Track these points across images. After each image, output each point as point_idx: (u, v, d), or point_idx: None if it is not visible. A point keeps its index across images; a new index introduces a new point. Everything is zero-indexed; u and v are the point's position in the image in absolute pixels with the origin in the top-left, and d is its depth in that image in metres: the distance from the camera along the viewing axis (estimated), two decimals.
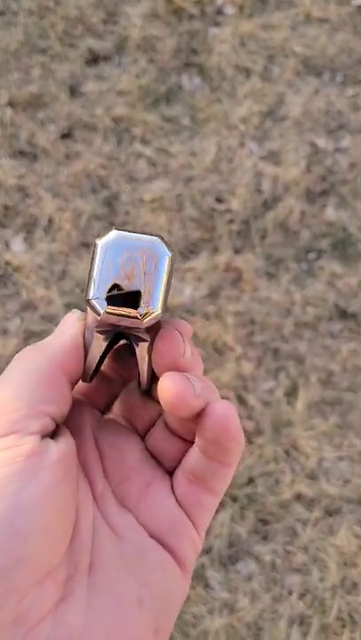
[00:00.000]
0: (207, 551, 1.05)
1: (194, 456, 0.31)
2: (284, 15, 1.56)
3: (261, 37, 1.53)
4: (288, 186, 1.36)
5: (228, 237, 1.30)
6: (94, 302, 0.28)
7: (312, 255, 1.30)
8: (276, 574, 1.04)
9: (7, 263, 1.26)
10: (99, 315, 0.28)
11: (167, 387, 0.28)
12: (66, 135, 1.40)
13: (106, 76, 1.47)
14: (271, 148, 1.40)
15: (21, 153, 1.38)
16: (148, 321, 0.28)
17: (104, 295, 0.28)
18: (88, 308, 0.29)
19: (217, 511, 1.06)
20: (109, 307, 0.28)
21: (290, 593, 1.03)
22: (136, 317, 0.28)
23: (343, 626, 1.01)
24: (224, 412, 0.29)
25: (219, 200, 1.34)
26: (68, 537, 0.28)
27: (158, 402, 0.31)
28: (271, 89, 1.47)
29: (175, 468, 0.32)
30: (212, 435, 0.29)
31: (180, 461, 0.32)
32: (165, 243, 0.28)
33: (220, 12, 1.56)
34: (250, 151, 1.40)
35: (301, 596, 1.03)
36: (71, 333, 0.30)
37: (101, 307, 0.28)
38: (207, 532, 0.98)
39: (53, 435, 0.29)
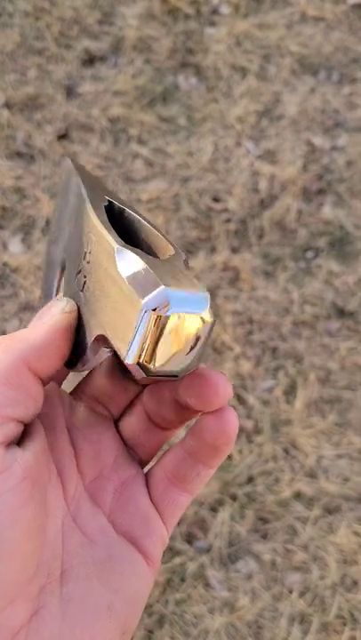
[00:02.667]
0: (207, 550, 1.05)
1: (178, 456, 0.31)
2: (279, 14, 1.56)
3: (257, 37, 1.53)
4: (285, 185, 1.36)
5: (226, 237, 1.30)
6: (134, 367, 0.26)
7: (310, 254, 1.30)
8: (276, 573, 1.04)
9: (5, 264, 1.26)
10: (137, 380, 0.28)
11: (212, 382, 0.28)
12: (62, 136, 1.40)
13: (102, 77, 1.47)
14: (268, 147, 1.40)
15: (18, 154, 1.38)
16: (181, 376, 0.28)
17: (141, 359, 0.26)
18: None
19: (217, 510, 1.07)
20: (150, 377, 0.26)
21: (290, 591, 1.03)
22: (174, 376, 0.27)
23: (344, 624, 1.01)
24: (230, 417, 0.29)
25: (216, 199, 1.34)
26: (37, 553, 0.28)
27: (137, 383, 0.31)
28: (267, 88, 1.47)
29: (152, 457, 0.32)
30: (212, 438, 0.29)
31: (156, 451, 0.32)
32: (210, 302, 0.27)
33: (215, 11, 1.57)
34: (246, 150, 1.40)
35: (302, 595, 1.03)
36: (49, 327, 0.28)
37: (140, 374, 0.26)
38: (207, 531, 0.98)
39: (22, 437, 0.28)
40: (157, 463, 0.32)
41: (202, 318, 0.26)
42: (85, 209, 0.31)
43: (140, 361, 0.26)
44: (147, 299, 0.25)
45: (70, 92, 1.45)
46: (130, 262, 0.26)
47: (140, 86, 1.46)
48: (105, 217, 0.30)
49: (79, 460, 0.31)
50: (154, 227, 0.31)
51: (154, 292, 0.25)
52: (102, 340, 0.28)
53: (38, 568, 0.28)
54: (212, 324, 0.27)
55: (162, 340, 0.25)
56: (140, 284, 0.26)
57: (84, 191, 0.32)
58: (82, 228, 0.31)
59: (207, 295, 0.26)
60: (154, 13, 1.54)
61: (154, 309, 0.25)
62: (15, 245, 1.28)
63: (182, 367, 0.27)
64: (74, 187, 0.34)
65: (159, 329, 0.25)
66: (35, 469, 0.27)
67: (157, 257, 0.29)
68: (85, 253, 0.30)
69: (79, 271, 0.30)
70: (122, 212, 0.32)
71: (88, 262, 0.29)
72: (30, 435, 0.28)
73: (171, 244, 0.29)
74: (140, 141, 1.40)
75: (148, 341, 0.25)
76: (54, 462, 0.30)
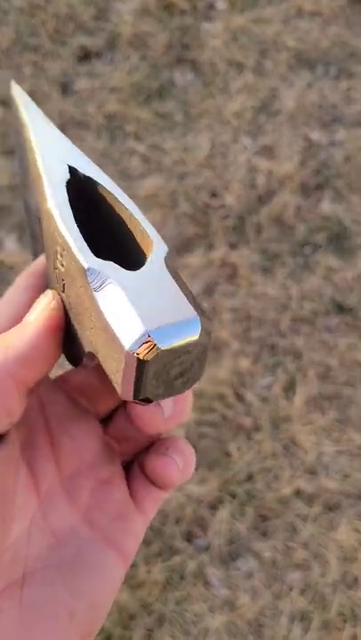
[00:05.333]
0: (207, 548, 1.04)
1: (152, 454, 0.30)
2: (275, 9, 1.55)
3: (254, 32, 1.52)
4: (283, 180, 1.35)
5: (223, 233, 1.30)
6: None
7: (308, 249, 1.29)
8: (276, 570, 1.03)
9: (1, 262, 1.26)
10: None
11: (139, 410, 0.28)
12: None
13: (98, 73, 1.46)
14: (265, 143, 1.39)
15: (13, 152, 1.37)
16: None
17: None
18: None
19: (216, 508, 1.06)
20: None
21: (290, 589, 1.02)
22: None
23: (344, 621, 1.00)
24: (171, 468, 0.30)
25: (213, 195, 1.34)
26: None
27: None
28: (264, 83, 1.47)
29: (135, 454, 0.31)
30: (153, 473, 0.30)
31: (140, 449, 0.31)
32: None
33: (211, 6, 1.56)
34: (244, 146, 1.39)
35: (302, 592, 1.02)
36: (35, 329, 0.26)
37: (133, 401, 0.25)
38: (206, 530, 0.97)
39: None
40: (137, 457, 0.31)
41: (193, 342, 0.24)
42: (43, 192, 0.28)
43: (133, 399, 0.25)
44: (130, 343, 0.23)
45: (66, 89, 1.44)
46: (106, 291, 0.24)
47: (136, 82, 1.45)
48: (68, 211, 0.27)
49: (58, 455, 0.30)
50: (126, 206, 0.27)
51: (136, 336, 0.23)
52: (94, 356, 0.26)
53: None
54: (206, 344, 0.24)
55: (152, 373, 0.24)
56: (121, 323, 0.23)
57: (39, 160, 0.29)
58: (44, 210, 0.28)
59: (195, 317, 0.23)
60: (149, 9, 1.53)
61: (139, 350, 0.23)
62: (11, 243, 1.28)
63: (176, 390, 0.25)
64: (22, 141, 0.32)
65: (149, 365, 0.23)
66: None
67: (135, 252, 0.27)
68: (57, 252, 0.27)
69: (55, 267, 0.28)
70: (88, 181, 0.29)
71: (62, 265, 0.27)
72: None
73: (147, 230, 0.27)
74: (137, 138, 1.39)
75: (139, 379, 0.24)
76: (28, 457, 0.29)
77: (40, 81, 1.44)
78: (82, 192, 0.28)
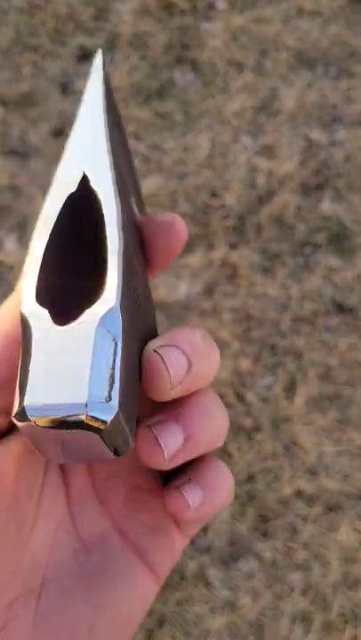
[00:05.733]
0: (207, 549, 1.04)
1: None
2: (275, 9, 1.55)
3: (254, 31, 1.52)
4: (283, 180, 1.35)
5: (223, 233, 1.29)
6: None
7: (308, 249, 1.29)
8: (277, 571, 1.03)
9: (0, 262, 1.25)
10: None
11: (139, 446, 0.25)
12: (58, 133, 1.39)
13: None
14: (265, 143, 1.39)
15: (13, 152, 1.37)
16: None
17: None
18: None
19: None
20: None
21: (291, 590, 1.02)
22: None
23: (345, 622, 1.00)
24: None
25: (213, 195, 1.33)
26: (12, 560, 0.25)
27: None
28: (264, 83, 1.46)
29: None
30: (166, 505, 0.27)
31: None
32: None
33: (211, 6, 1.56)
34: (244, 146, 1.39)
35: (303, 593, 1.02)
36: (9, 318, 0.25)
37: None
38: (207, 530, 0.98)
39: (11, 427, 0.25)
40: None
41: (78, 425, 0.21)
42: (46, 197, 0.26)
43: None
44: (14, 410, 0.21)
45: (65, 89, 1.44)
46: (24, 344, 0.22)
47: (135, 82, 1.45)
48: (47, 231, 0.24)
49: None
50: (109, 237, 0.23)
51: (17, 407, 0.21)
52: None
53: (12, 576, 0.25)
54: (100, 430, 0.21)
55: (37, 441, 0.22)
56: (18, 386, 0.22)
57: (63, 156, 0.26)
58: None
59: (82, 404, 0.20)
60: (149, 9, 1.53)
61: (17, 418, 0.21)
62: (10, 244, 1.28)
63: (81, 461, 0.23)
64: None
65: (28, 434, 0.21)
66: (12, 470, 0.25)
67: (96, 294, 0.23)
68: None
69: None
70: (94, 196, 0.25)
71: None
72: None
73: (108, 276, 0.22)
74: (137, 138, 1.39)
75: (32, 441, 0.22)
76: None
77: (40, 81, 1.44)
78: (87, 204, 0.26)
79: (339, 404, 1.15)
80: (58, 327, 0.22)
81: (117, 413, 0.21)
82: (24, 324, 0.22)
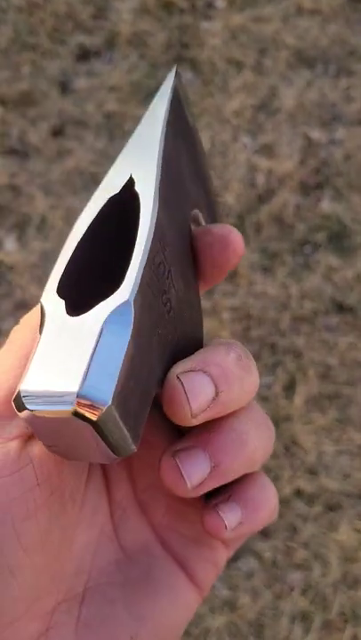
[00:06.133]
0: None
1: None
2: (275, 7, 1.55)
3: (253, 30, 1.52)
4: (282, 179, 1.35)
5: None
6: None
7: (308, 248, 1.29)
8: (277, 571, 1.03)
9: (0, 262, 1.25)
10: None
11: (162, 475, 0.24)
12: (57, 132, 1.39)
13: (97, 72, 1.46)
14: (265, 142, 1.39)
15: (13, 151, 1.37)
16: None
17: None
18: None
19: None
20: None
21: (291, 589, 1.02)
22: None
23: (345, 621, 1.00)
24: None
25: None
26: (53, 566, 0.24)
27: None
28: (264, 82, 1.46)
29: None
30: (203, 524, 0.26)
31: None
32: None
33: (210, 5, 1.55)
34: (243, 145, 1.39)
35: (303, 593, 1.02)
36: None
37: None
38: None
39: None
40: None
41: (66, 418, 0.21)
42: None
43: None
44: (14, 395, 0.22)
45: (65, 88, 1.44)
46: (40, 332, 0.23)
47: (135, 81, 1.45)
48: (82, 230, 0.25)
49: (132, 464, 0.27)
50: (138, 237, 0.24)
51: (16, 392, 0.21)
52: None
53: (54, 583, 0.24)
54: (92, 423, 0.21)
55: (35, 429, 0.22)
56: (24, 371, 0.22)
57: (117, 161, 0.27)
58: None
59: (72, 393, 0.20)
60: (148, 8, 1.53)
61: (15, 403, 0.22)
62: (10, 243, 1.27)
63: (73, 458, 0.23)
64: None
65: (25, 420, 0.22)
66: (57, 472, 0.24)
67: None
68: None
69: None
70: (136, 199, 0.25)
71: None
72: None
73: (127, 272, 0.23)
74: None
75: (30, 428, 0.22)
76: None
77: (39, 80, 1.44)
78: (129, 207, 0.26)
79: (339, 404, 1.15)
80: (70, 317, 0.22)
81: (110, 407, 0.20)
82: (41, 313, 0.23)
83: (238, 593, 1.01)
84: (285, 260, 1.27)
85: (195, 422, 0.24)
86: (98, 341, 0.21)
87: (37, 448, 0.23)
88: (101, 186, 0.27)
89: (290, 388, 1.16)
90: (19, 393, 0.21)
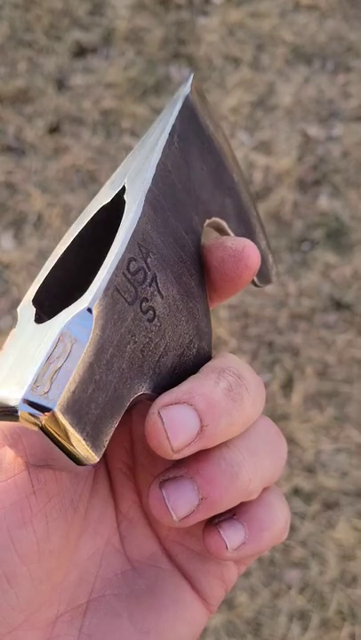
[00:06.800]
0: None
1: None
2: (272, 3, 1.54)
3: (250, 26, 1.51)
4: (280, 176, 1.34)
5: None
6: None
7: (305, 246, 1.29)
8: (274, 569, 1.03)
9: None
10: None
11: (149, 504, 0.23)
12: (54, 130, 1.38)
13: (93, 69, 1.45)
14: (262, 139, 1.38)
15: (9, 149, 1.36)
16: None
17: None
18: None
19: None
20: None
21: (289, 587, 1.02)
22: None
23: (343, 619, 1.00)
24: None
25: None
26: (55, 576, 0.24)
27: None
28: (261, 78, 1.46)
29: None
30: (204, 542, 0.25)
31: None
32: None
33: (207, 1, 1.55)
34: (241, 142, 1.38)
35: (301, 591, 1.02)
36: None
37: None
38: None
39: None
40: None
41: (15, 414, 0.21)
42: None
43: None
44: None
45: (61, 85, 1.43)
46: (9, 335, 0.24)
47: (131, 78, 1.44)
48: (70, 239, 0.25)
49: (137, 474, 0.27)
50: (114, 245, 0.23)
51: None
52: None
53: (55, 592, 0.24)
54: (45, 430, 0.21)
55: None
56: None
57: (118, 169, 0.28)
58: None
59: (13, 407, 0.20)
60: (145, 4, 1.52)
61: None
62: (7, 241, 1.27)
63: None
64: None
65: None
66: (54, 479, 0.23)
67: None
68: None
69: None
70: (122, 207, 0.25)
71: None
72: None
73: (95, 279, 0.23)
74: (133, 134, 1.38)
75: None
76: (109, 470, 0.26)
77: (35, 77, 1.43)
78: (117, 215, 0.26)
79: (336, 402, 1.15)
80: (36, 325, 0.22)
81: (54, 412, 0.20)
82: (16, 320, 0.23)
83: (236, 591, 1.01)
84: (283, 257, 1.27)
85: (178, 457, 0.23)
86: (53, 347, 0.21)
87: None
88: (97, 196, 0.27)
89: (288, 385, 1.16)
90: None
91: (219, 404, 0.23)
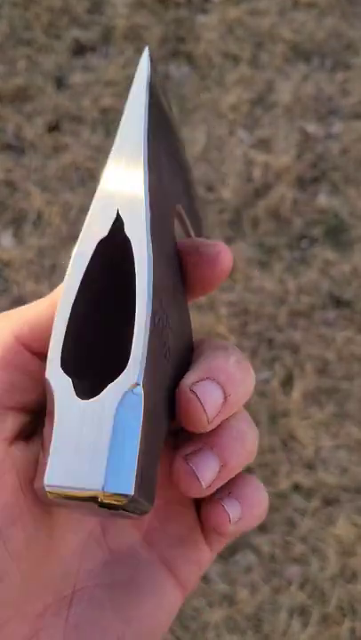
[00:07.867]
0: None
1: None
2: (271, 1, 1.54)
3: (249, 24, 1.51)
4: (279, 173, 1.34)
5: (220, 227, 1.29)
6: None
7: (305, 243, 1.29)
8: (275, 565, 1.03)
9: None
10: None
11: (177, 479, 0.25)
12: (53, 128, 1.38)
13: (92, 67, 1.45)
14: (261, 136, 1.39)
15: (8, 147, 1.36)
16: None
17: None
18: None
19: None
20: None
21: (289, 583, 1.02)
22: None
23: (343, 615, 1.00)
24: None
25: (209, 189, 1.33)
26: (41, 570, 0.25)
27: None
28: (260, 76, 1.46)
29: None
30: (203, 518, 0.27)
31: None
32: None
33: None
34: (240, 139, 1.38)
35: (301, 587, 1.02)
36: (50, 299, 0.25)
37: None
38: None
39: (34, 429, 0.25)
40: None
41: (91, 509, 0.22)
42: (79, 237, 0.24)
43: None
44: (40, 483, 0.22)
45: (60, 83, 1.43)
46: (49, 414, 0.23)
47: (131, 76, 1.43)
48: (73, 291, 0.23)
49: None
50: (137, 300, 0.22)
51: (40, 483, 0.22)
52: None
53: (42, 586, 0.25)
54: (118, 504, 0.21)
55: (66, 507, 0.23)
56: (41, 459, 0.23)
57: (97, 190, 0.25)
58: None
59: (95, 494, 0.21)
60: (144, 2, 1.52)
61: (37, 488, 0.23)
62: (6, 239, 1.27)
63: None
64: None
65: (48, 502, 0.23)
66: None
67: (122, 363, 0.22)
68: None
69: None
70: (127, 245, 0.23)
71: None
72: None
73: (133, 348, 0.22)
74: None
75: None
76: None
77: (34, 75, 1.43)
78: (120, 250, 0.24)
79: (336, 398, 1.15)
80: (80, 401, 0.22)
81: (133, 496, 0.21)
82: (49, 390, 0.22)
83: (236, 587, 1.01)
84: (282, 254, 1.27)
85: (210, 428, 0.25)
86: (113, 430, 0.21)
87: (20, 452, 0.24)
88: (88, 221, 0.25)
89: (287, 382, 1.16)
90: (43, 487, 0.22)
91: (234, 376, 0.25)
